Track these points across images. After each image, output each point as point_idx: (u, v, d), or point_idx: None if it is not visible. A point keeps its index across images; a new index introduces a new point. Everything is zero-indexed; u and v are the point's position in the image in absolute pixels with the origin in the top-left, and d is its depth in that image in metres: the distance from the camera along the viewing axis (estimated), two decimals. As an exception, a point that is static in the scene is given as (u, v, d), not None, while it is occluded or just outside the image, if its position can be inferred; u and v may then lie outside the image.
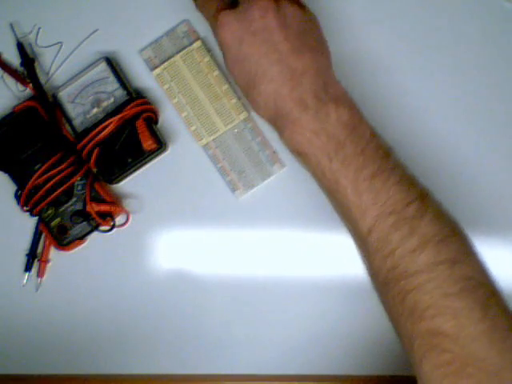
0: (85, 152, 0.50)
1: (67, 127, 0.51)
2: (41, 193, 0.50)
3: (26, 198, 0.50)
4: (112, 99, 0.51)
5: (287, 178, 0.51)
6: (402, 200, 0.38)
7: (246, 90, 0.43)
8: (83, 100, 0.51)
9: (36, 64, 0.52)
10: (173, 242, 0.52)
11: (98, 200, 0.51)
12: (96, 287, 0.52)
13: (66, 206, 0.51)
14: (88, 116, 0.51)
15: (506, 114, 0.51)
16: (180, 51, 0.52)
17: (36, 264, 0.52)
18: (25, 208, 0.51)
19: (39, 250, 0.52)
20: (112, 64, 0.51)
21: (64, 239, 0.51)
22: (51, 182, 0.50)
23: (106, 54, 0.52)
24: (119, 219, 0.52)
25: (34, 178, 0.49)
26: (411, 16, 0.52)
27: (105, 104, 0.51)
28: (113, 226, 0.51)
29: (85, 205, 0.50)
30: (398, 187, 0.39)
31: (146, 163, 0.51)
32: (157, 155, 0.51)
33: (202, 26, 0.52)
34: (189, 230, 0.52)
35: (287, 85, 0.40)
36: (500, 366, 0.36)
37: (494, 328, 0.37)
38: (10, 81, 0.52)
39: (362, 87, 0.48)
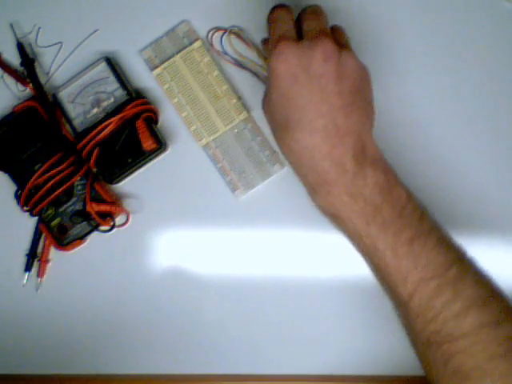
0: (85, 152, 0.50)
1: (67, 127, 0.51)
2: (41, 193, 0.50)
3: (25, 198, 0.50)
4: (112, 99, 0.51)
5: (287, 178, 0.51)
6: (442, 263, 0.38)
7: (279, 129, 0.41)
8: (83, 100, 0.51)
9: (36, 64, 0.52)
10: (173, 241, 0.52)
11: (98, 200, 0.51)
12: (96, 287, 0.52)
13: (65, 206, 0.51)
14: (88, 116, 0.51)
15: (506, 114, 0.52)
16: (180, 51, 0.52)
17: (36, 264, 0.52)
18: (25, 208, 0.51)
19: (39, 250, 0.52)
20: (112, 64, 0.51)
21: (64, 239, 0.51)
22: (51, 182, 0.50)
23: (106, 54, 0.52)
24: (119, 219, 0.52)
25: (33, 178, 0.49)
26: (416, 16, 0.52)
27: (105, 104, 0.51)
28: (113, 226, 0.51)
29: (85, 205, 0.50)
30: (436, 250, 0.38)
31: (146, 163, 0.51)
32: (157, 155, 0.51)
33: (202, 26, 0.52)
34: (189, 230, 0.52)
35: (329, 142, 0.38)
36: None
37: None
38: (10, 81, 0.52)
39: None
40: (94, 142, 0.49)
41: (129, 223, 0.52)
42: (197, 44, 0.52)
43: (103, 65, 0.51)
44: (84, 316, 0.52)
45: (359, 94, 0.40)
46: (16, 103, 0.52)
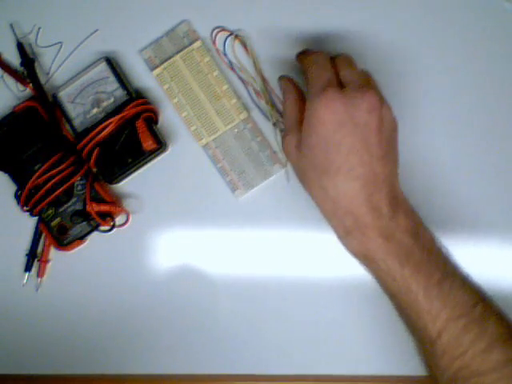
0: (85, 152, 0.50)
1: (67, 127, 0.51)
2: (41, 193, 0.50)
3: (25, 198, 0.50)
4: (112, 99, 0.51)
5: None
6: (467, 303, 0.41)
7: (315, 173, 0.42)
8: (83, 100, 0.51)
9: (36, 64, 0.52)
10: (173, 241, 0.52)
11: (98, 200, 0.51)
12: (96, 287, 0.52)
13: (65, 206, 0.51)
14: (88, 116, 0.51)
15: (506, 114, 0.52)
16: (180, 51, 0.52)
17: (36, 264, 0.52)
18: (25, 208, 0.51)
19: (39, 250, 0.52)
20: (112, 64, 0.51)
21: (64, 239, 0.51)
22: (51, 182, 0.50)
23: (105, 54, 0.52)
24: (119, 219, 0.52)
25: (33, 177, 0.49)
26: (412, 14, 0.52)
27: (105, 104, 0.51)
28: (113, 226, 0.51)
29: (85, 205, 0.50)
30: (462, 291, 0.41)
31: (145, 163, 0.51)
32: (157, 155, 0.51)
33: (202, 26, 0.52)
34: (189, 230, 0.52)
35: (368, 189, 0.41)
36: None
37: None
38: (10, 81, 0.52)
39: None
40: (93, 142, 0.49)
41: (129, 223, 0.52)
42: (197, 44, 0.52)
43: (103, 65, 0.51)
44: (84, 316, 0.52)
45: (392, 144, 0.43)
46: (16, 103, 0.52)
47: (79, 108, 0.51)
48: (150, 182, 0.52)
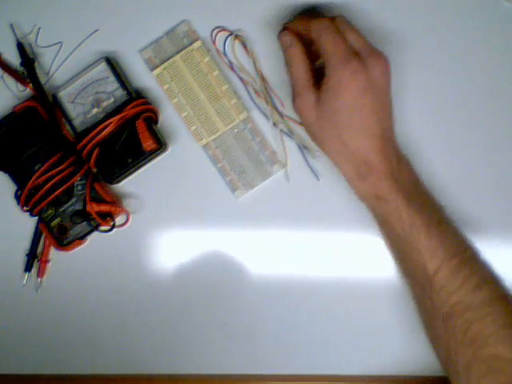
0: (85, 152, 0.50)
1: (67, 127, 0.51)
2: (41, 193, 0.50)
3: (25, 198, 0.50)
4: (112, 99, 0.51)
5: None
6: (460, 245, 0.46)
7: (338, 131, 0.46)
8: (83, 100, 0.51)
9: (36, 64, 0.52)
10: (173, 241, 0.52)
11: (98, 200, 0.51)
12: (96, 287, 0.52)
13: (65, 206, 0.51)
14: (88, 116, 0.51)
15: (506, 114, 0.52)
16: (180, 51, 0.52)
17: (36, 264, 0.52)
18: (25, 208, 0.51)
19: (39, 250, 0.52)
20: (112, 64, 0.51)
21: (64, 239, 0.51)
22: (51, 182, 0.50)
23: (105, 54, 0.52)
24: (119, 219, 0.52)
25: (33, 177, 0.49)
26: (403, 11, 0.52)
27: (105, 104, 0.51)
28: (113, 226, 0.51)
29: (85, 205, 0.50)
30: (456, 234, 0.46)
31: (146, 163, 0.51)
32: (157, 155, 0.51)
33: (202, 26, 0.52)
34: (189, 230, 0.52)
35: (382, 142, 0.46)
36: None
37: None
38: (10, 81, 0.52)
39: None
40: (93, 142, 0.49)
41: (129, 223, 0.52)
42: (197, 44, 0.52)
43: (103, 65, 0.51)
44: (84, 316, 0.52)
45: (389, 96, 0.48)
46: (16, 103, 0.52)
47: (79, 108, 0.51)
48: (150, 182, 0.52)
